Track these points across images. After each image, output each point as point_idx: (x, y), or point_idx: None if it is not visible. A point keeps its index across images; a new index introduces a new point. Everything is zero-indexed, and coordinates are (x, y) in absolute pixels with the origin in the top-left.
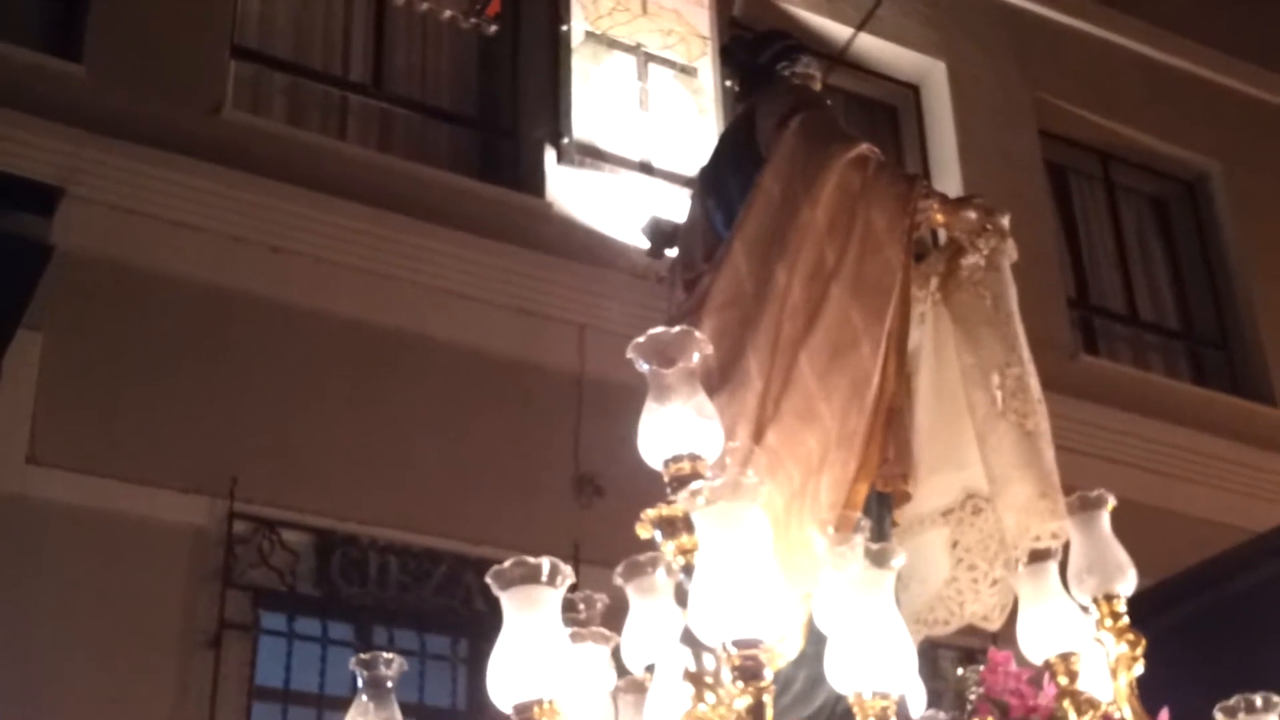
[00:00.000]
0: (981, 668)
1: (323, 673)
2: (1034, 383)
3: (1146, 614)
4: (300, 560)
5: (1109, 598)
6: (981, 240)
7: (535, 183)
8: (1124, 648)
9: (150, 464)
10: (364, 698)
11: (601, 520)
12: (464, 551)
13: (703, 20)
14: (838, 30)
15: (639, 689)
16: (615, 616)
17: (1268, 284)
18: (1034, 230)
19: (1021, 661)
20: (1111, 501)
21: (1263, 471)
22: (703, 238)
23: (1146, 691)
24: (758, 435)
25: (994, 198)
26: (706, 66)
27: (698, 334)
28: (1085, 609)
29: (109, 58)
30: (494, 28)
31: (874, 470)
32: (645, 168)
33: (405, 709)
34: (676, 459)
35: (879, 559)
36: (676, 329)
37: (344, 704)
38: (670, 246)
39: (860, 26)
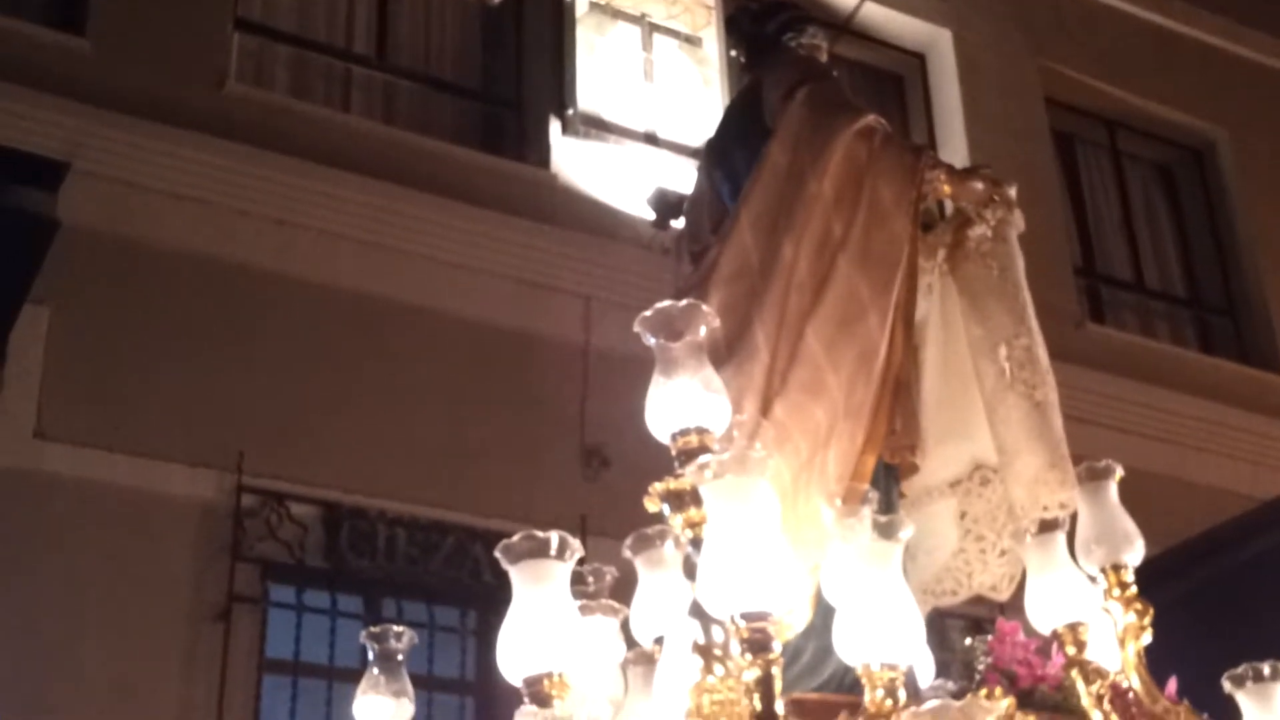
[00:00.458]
0: (989, 638)
1: (332, 645)
2: (1042, 353)
3: (1153, 583)
4: (309, 533)
5: (1117, 567)
6: (988, 211)
7: (540, 154)
8: (1132, 617)
9: (158, 438)
10: (375, 671)
11: (609, 492)
12: (472, 524)
13: None
14: None
15: (648, 661)
16: (624, 588)
17: (1274, 251)
18: (1040, 199)
19: (1029, 631)
20: (1119, 472)
21: (1270, 439)
22: (709, 210)
23: (1154, 660)
24: (765, 408)
25: (1000, 167)
26: (711, 36)
27: (705, 307)
28: (1093, 579)
29: (113, 32)
30: None
31: (881, 442)
32: (650, 139)
33: (414, 680)
34: (684, 433)
35: (887, 531)
36: (683, 302)
37: (353, 675)
38: (676, 218)
39: None
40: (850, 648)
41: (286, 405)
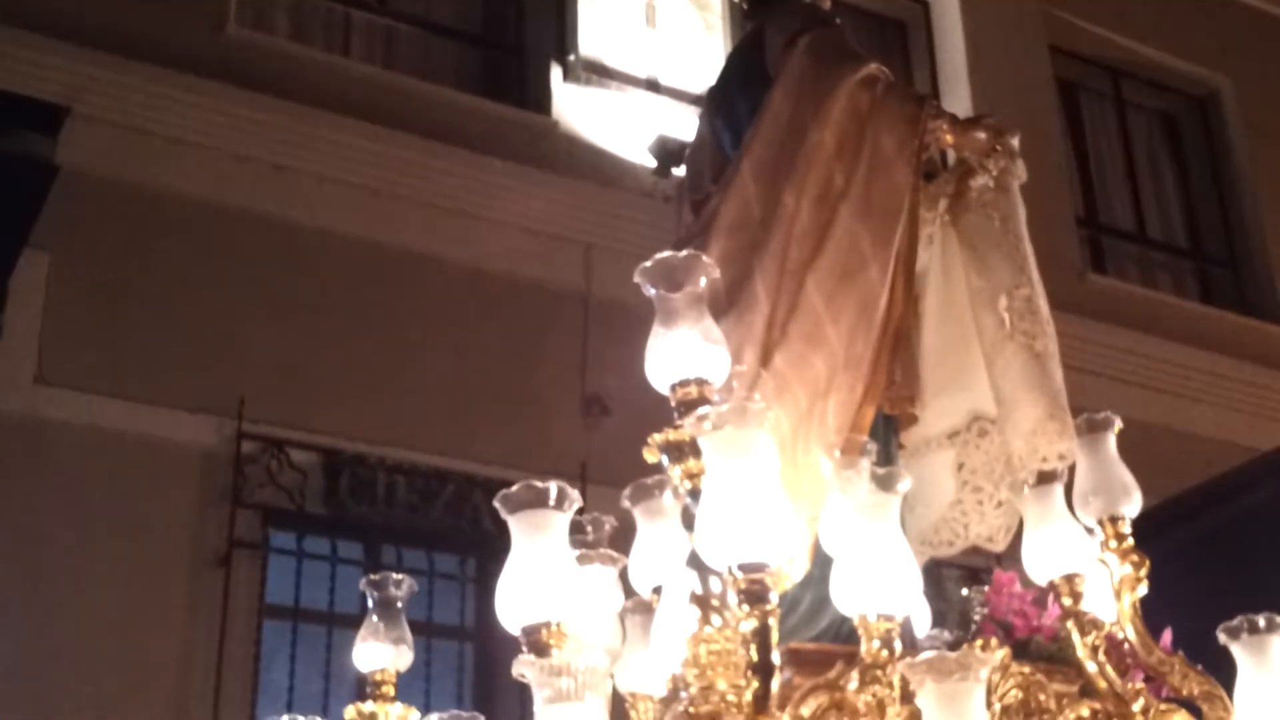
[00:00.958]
0: (986, 588)
1: (332, 590)
2: (1043, 304)
3: (1151, 534)
4: (309, 479)
5: (1114, 519)
6: (991, 161)
7: (541, 100)
8: (1128, 569)
9: (158, 384)
10: (374, 618)
11: (608, 440)
12: (472, 471)
13: None
14: None
15: (646, 611)
16: (622, 536)
17: (1277, 202)
18: (1043, 148)
19: (1026, 583)
20: (1118, 424)
21: (1270, 390)
22: (710, 159)
23: (1149, 611)
24: (765, 359)
25: (1003, 115)
26: None
27: (705, 258)
28: (1090, 531)
29: None
30: None
31: (881, 393)
32: (652, 85)
33: (413, 627)
34: (684, 383)
35: (885, 483)
36: (684, 253)
37: (353, 621)
38: (678, 165)
39: None
40: (847, 599)
41: (287, 352)
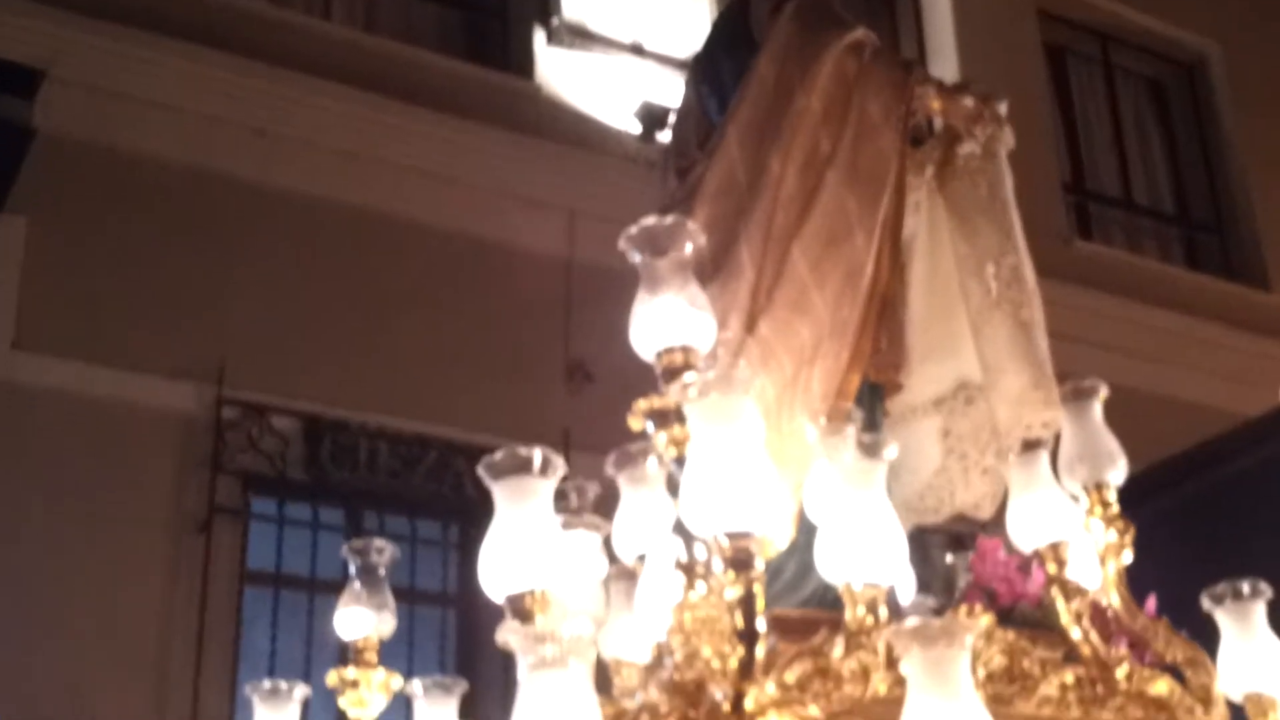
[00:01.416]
0: (971, 555)
1: (313, 557)
2: (1029, 272)
3: (1135, 500)
4: (290, 445)
5: (1099, 486)
6: (978, 128)
7: (524, 64)
8: (1113, 536)
9: (137, 349)
10: (356, 584)
11: (592, 406)
12: (454, 437)
13: None
14: None
15: (630, 578)
16: (606, 502)
17: (1264, 167)
18: (1031, 114)
19: (1011, 549)
20: (1104, 391)
21: (1255, 356)
22: (696, 124)
23: (1134, 578)
24: (750, 326)
25: (991, 81)
26: None
27: (690, 224)
28: (1075, 498)
29: None
30: None
31: (866, 360)
32: (637, 49)
33: (396, 593)
34: (669, 350)
35: (871, 450)
36: (669, 218)
37: (335, 587)
38: (663, 131)
39: None
40: (832, 566)
41: (267, 317)
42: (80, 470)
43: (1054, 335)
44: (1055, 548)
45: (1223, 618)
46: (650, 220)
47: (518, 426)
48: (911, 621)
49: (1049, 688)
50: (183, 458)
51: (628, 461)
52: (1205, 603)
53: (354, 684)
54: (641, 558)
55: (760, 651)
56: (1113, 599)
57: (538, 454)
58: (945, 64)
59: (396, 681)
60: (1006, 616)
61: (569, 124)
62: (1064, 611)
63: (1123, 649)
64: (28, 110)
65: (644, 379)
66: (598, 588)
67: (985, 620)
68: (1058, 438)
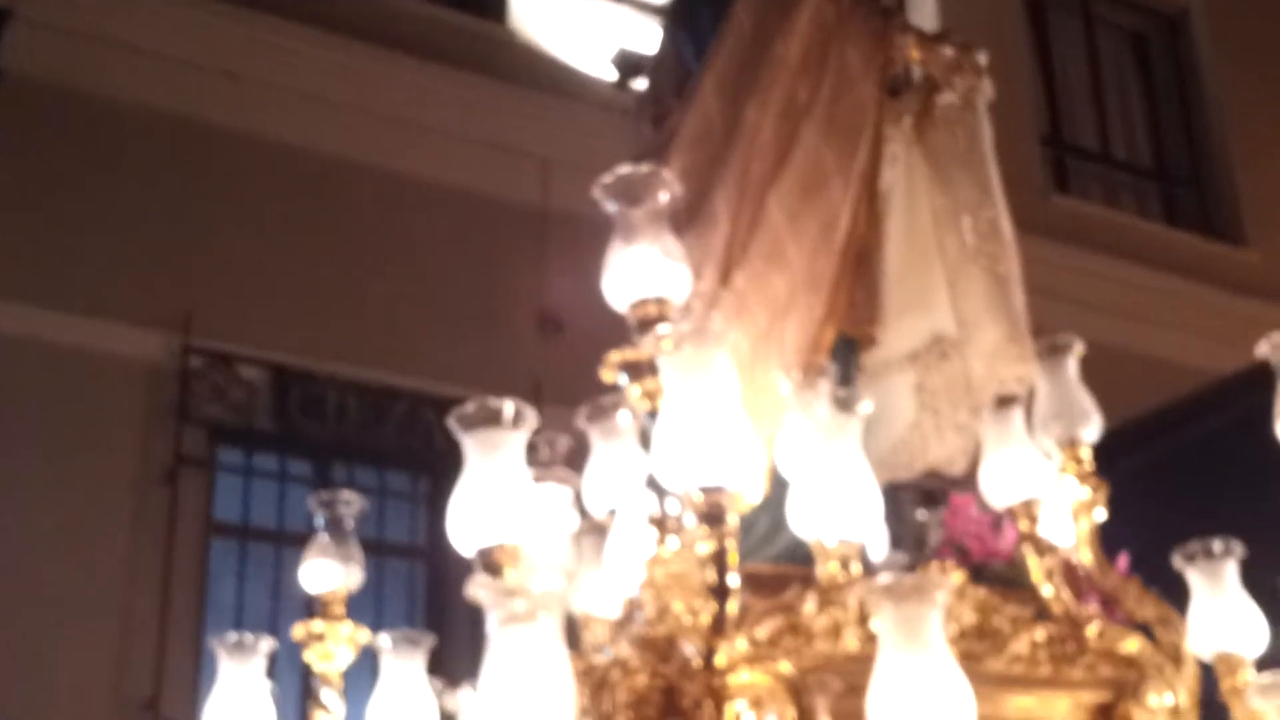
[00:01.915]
0: (943, 511)
1: (281, 509)
2: (1006, 226)
3: (1109, 457)
4: (258, 396)
5: (1073, 443)
6: (958, 78)
7: (497, 8)
8: (1085, 493)
9: (103, 296)
10: (324, 537)
11: (564, 357)
12: (424, 389)
13: None
14: None
15: (600, 532)
16: (577, 455)
17: (1244, 123)
18: (1010, 66)
19: (983, 506)
20: (1079, 347)
21: (1230, 314)
22: (672, 72)
23: (1106, 535)
24: (724, 277)
25: (970, 31)
26: None
27: (666, 173)
28: (1049, 455)
29: None
30: None
31: (841, 314)
32: None
33: (365, 546)
34: (642, 302)
35: (844, 405)
36: (644, 168)
37: (303, 539)
38: (639, 78)
39: None
40: (805, 522)
41: (235, 265)
42: (43, 418)
43: (1029, 290)
44: (1028, 505)
45: (1194, 576)
46: (625, 169)
47: (489, 378)
48: (884, 578)
49: (1020, 645)
50: (148, 407)
51: (600, 414)
52: (1177, 561)
53: (320, 637)
54: (613, 512)
55: (732, 607)
56: (1084, 557)
57: (509, 406)
58: (924, 14)
59: (364, 635)
60: (978, 573)
61: (543, 70)
62: (1036, 569)
63: (1094, 607)
64: None
65: (617, 330)
66: (568, 541)
67: (957, 577)
68: (1032, 394)
